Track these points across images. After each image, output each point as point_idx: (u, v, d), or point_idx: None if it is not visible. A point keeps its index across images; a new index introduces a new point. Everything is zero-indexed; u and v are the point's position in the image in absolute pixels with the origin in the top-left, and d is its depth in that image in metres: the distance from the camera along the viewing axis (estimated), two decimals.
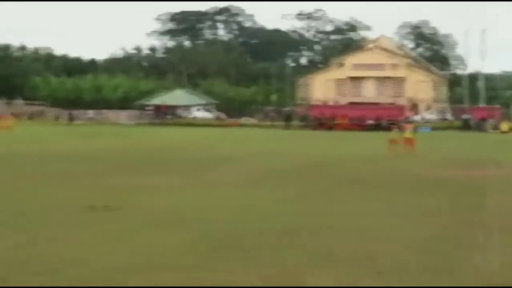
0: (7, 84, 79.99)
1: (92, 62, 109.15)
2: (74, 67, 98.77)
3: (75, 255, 9.23)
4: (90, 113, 72.03)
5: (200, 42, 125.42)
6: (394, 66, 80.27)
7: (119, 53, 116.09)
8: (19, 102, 76.74)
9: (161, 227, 11.41)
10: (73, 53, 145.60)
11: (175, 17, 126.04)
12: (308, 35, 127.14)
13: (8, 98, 77.64)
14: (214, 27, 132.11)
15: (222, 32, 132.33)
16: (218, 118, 71.63)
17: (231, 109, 78.03)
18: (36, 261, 8.82)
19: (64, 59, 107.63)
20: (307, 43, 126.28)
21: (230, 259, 9.12)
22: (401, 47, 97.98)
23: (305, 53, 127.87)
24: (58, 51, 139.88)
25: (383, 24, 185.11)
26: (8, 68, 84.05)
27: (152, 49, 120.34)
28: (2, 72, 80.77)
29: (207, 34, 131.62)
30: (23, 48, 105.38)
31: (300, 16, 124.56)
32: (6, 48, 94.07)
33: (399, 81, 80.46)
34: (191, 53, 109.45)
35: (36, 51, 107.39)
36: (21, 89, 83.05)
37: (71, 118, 64.57)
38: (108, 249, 9.67)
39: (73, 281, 7.89)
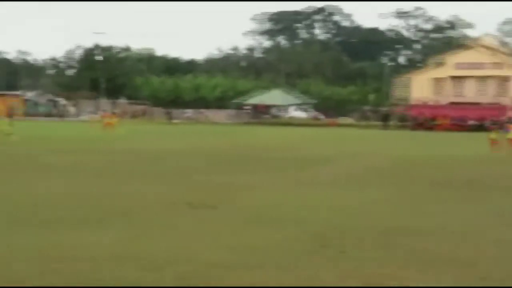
0: (112, 84, 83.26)
1: (191, 62, 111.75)
2: (174, 67, 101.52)
3: (176, 251, 9.48)
4: (189, 112, 73.72)
5: (297, 41, 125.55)
6: (497, 64, 77.21)
7: (217, 53, 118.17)
8: (123, 101, 79.66)
9: (258, 226, 11.52)
10: (173, 53, 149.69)
11: (272, 17, 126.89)
12: (407, 33, 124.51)
13: (113, 97, 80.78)
14: (311, 27, 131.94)
15: (319, 32, 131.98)
16: (315, 118, 71.44)
17: (328, 109, 77.68)
18: (138, 257, 9.10)
19: (165, 59, 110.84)
20: (405, 42, 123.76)
21: (326, 260, 9.09)
22: (504, 44, 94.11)
23: (403, 51, 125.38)
24: (160, 51, 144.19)
25: (484, 21, 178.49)
26: (114, 69, 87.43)
27: (250, 49, 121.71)
28: (108, 73, 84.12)
29: (304, 33, 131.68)
30: (127, 49, 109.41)
31: (399, 14, 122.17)
32: (111, 49, 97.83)
33: (502, 80, 77.35)
34: (288, 53, 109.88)
35: (139, 52, 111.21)
36: (124, 89, 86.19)
37: (170, 117, 66.28)
38: (209, 246, 9.86)
39: (176, 277, 8.10)
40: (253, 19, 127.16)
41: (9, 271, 8.32)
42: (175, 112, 70.13)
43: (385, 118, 64.23)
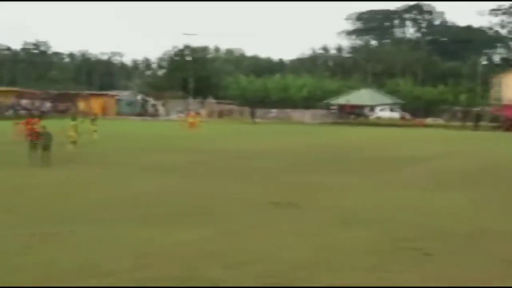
0: (201, 84, 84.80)
1: (280, 63, 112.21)
2: (263, 67, 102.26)
3: (260, 250, 9.59)
4: (274, 112, 73.96)
5: (386, 41, 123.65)
6: None
7: (308, 53, 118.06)
8: (211, 101, 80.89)
9: (342, 227, 11.48)
10: (263, 53, 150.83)
11: (362, 16, 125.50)
12: (502, 31, 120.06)
13: (201, 97, 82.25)
14: (402, 26, 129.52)
15: (410, 31, 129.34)
16: (403, 118, 70.10)
17: (417, 109, 75.98)
18: (223, 254, 9.29)
19: (254, 59, 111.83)
20: (501, 40, 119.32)
21: (410, 261, 8.95)
22: None
23: (498, 50, 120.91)
24: (249, 52, 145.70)
25: None
26: (203, 69, 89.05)
27: (339, 49, 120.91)
28: (197, 73, 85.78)
29: (395, 32, 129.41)
30: (217, 49, 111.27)
31: (495, 11, 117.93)
32: (201, 50, 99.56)
33: None
34: (377, 52, 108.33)
35: (228, 52, 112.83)
36: (213, 89, 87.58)
37: (253, 117, 66.72)
38: (292, 245, 9.92)
39: (258, 276, 8.21)
40: (347, 18, 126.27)
41: (102, 265, 8.69)
42: (260, 111, 70.54)
43: (477, 118, 62.11)
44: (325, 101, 75.89)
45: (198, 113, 52.54)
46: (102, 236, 10.46)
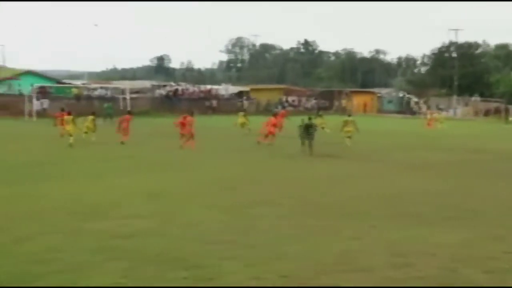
0: (468, 81, 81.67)
1: None
2: None
3: None
4: None
5: None
6: None
7: None
8: (477, 99, 77.34)
9: None
10: None
11: None
12: None
13: (465, 95, 79.13)
14: None
15: None
16: None
17: None
18: (478, 258, 9.05)
19: None
20: None
21: None
22: None
23: None
24: None
25: None
26: (471, 65, 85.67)
27: None
28: (464, 70, 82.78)
29: None
30: (486, 45, 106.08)
31: None
32: (470, 46, 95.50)
33: None
34: None
35: (498, 47, 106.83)
36: (480, 86, 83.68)
37: (507, 116, 61.96)
38: None
39: None
40: None
41: (358, 260, 8.98)
42: None
43: None
44: None
45: (438, 111, 50.66)
46: (360, 232, 10.76)
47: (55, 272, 8.07)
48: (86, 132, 29.42)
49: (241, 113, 37.90)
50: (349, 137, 28.72)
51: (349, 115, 31.34)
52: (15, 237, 9.96)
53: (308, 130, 25.61)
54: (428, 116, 50.08)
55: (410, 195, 14.87)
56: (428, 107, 67.36)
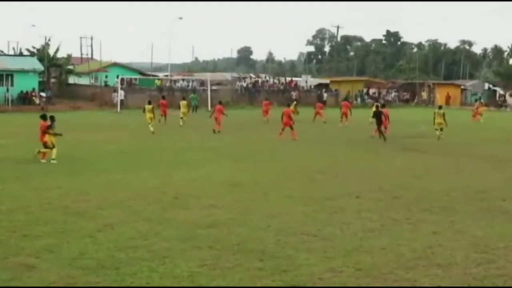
0: None
1: None
2: None
3: None
4: None
5: None
6: None
7: None
8: None
9: None
10: None
11: None
12: None
13: None
14: None
15: None
16: None
17: None
18: None
19: None
20: None
21: None
22: None
23: None
24: None
25: None
26: None
27: None
28: None
29: None
30: None
31: None
32: None
33: None
34: None
35: None
36: None
37: None
38: None
39: None
40: None
41: (438, 256, 8.94)
42: None
43: None
44: None
45: (481, 103, 48.35)
46: (441, 227, 10.64)
47: (139, 259, 8.42)
48: (182, 117, 33.52)
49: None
50: (440, 129, 28.30)
51: (440, 107, 30.62)
52: (103, 224, 10.43)
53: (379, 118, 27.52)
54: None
55: (497, 191, 14.45)
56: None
